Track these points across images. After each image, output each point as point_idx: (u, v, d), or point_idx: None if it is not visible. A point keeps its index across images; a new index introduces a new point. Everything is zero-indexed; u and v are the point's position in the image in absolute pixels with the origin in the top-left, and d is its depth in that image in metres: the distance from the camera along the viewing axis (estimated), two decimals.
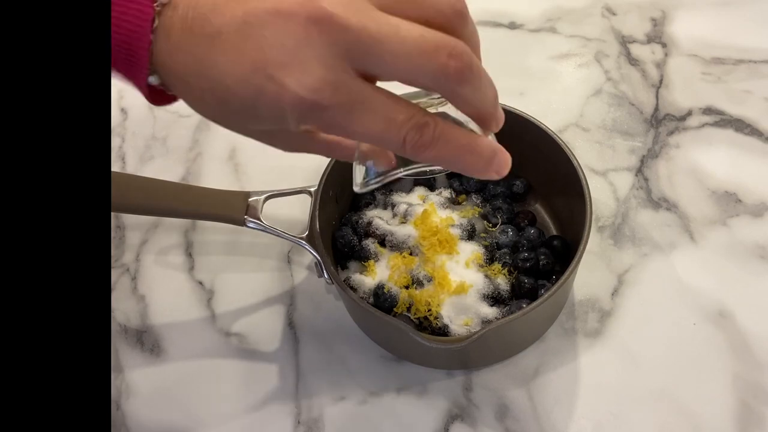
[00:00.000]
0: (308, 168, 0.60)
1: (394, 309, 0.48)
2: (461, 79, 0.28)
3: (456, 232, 0.50)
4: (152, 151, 0.66)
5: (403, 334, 0.43)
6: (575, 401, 0.48)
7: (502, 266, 0.49)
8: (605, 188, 0.58)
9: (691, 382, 0.48)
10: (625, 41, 0.69)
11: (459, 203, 0.55)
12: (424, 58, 0.28)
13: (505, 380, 0.49)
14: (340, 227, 0.54)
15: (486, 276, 0.49)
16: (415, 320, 0.47)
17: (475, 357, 0.49)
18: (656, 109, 0.63)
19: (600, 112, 0.64)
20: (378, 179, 0.35)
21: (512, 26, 0.72)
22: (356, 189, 0.35)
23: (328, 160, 0.51)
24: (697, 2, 0.71)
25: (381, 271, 0.50)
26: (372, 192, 0.56)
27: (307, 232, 0.50)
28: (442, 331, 0.47)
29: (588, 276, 0.53)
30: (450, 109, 0.34)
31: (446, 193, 0.55)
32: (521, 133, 0.52)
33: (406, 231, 0.51)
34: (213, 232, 0.60)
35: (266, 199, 0.52)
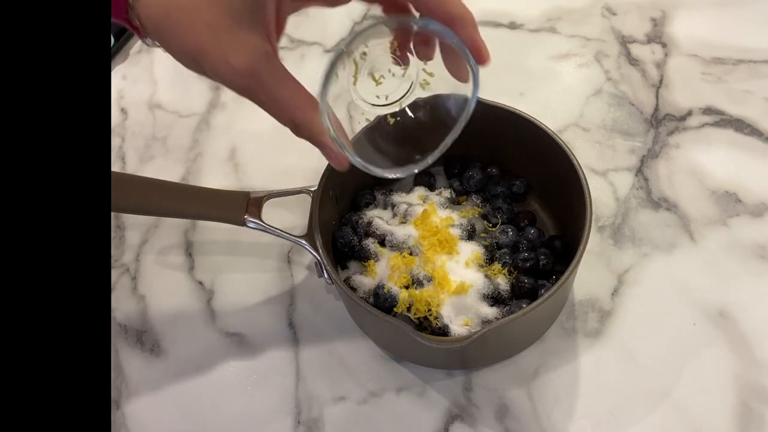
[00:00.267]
0: (308, 168, 0.60)
1: (394, 309, 0.48)
2: None
3: (456, 232, 0.50)
4: (152, 151, 0.66)
5: (403, 334, 0.43)
6: (575, 401, 0.48)
7: (502, 266, 0.49)
8: (605, 188, 0.58)
9: (691, 382, 0.48)
10: (625, 41, 0.69)
11: (459, 203, 0.55)
12: None
13: (505, 380, 0.49)
14: (340, 227, 0.54)
15: (486, 276, 0.49)
16: (415, 320, 0.47)
17: (475, 357, 0.49)
18: (656, 109, 0.63)
19: (600, 112, 0.64)
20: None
21: (512, 26, 0.72)
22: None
23: None
24: (697, 2, 0.71)
25: (381, 271, 0.50)
26: (372, 192, 0.56)
27: (307, 232, 0.50)
28: (442, 331, 0.47)
29: (588, 276, 0.53)
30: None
31: (446, 193, 0.55)
32: (521, 133, 0.52)
33: (406, 231, 0.51)
34: (213, 232, 0.60)
35: (266, 199, 0.52)
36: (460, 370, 0.50)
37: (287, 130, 0.38)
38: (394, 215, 0.53)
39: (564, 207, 0.53)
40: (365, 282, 0.50)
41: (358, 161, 0.37)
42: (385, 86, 0.42)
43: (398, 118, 0.43)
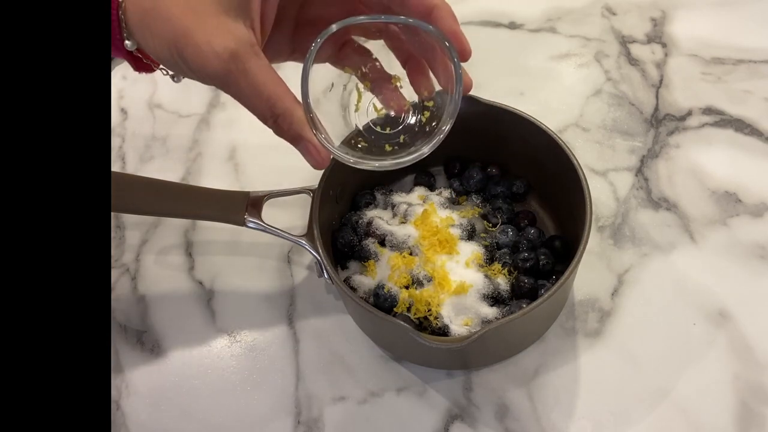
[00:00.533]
0: (308, 168, 0.60)
1: (394, 309, 0.48)
2: None
3: (456, 232, 0.50)
4: (152, 151, 0.66)
5: (403, 334, 0.43)
6: (575, 401, 0.48)
7: (502, 266, 0.49)
8: (605, 188, 0.58)
9: (691, 382, 0.48)
10: (625, 41, 0.69)
11: (459, 203, 0.55)
12: None
13: (505, 380, 0.49)
14: (340, 227, 0.54)
15: (486, 276, 0.49)
16: (415, 320, 0.47)
17: (475, 357, 0.49)
18: (656, 109, 0.63)
19: (600, 112, 0.64)
20: None
21: (512, 26, 0.72)
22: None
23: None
24: (697, 2, 0.71)
25: (381, 271, 0.50)
26: (372, 192, 0.56)
27: (307, 232, 0.50)
28: (442, 331, 0.47)
29: (588, 276, 0.53)
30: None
31: (446, 193, 0.55)
32: (521, 133, 0.52)
33: (406, 231, 0.51)
34: (213, 232, 0.60)
35: (266, 199, 0.52)
36: (460, 370, 0.50)
37: None
38: (394, 215, 0.53)
39: (564, 207, 0.53)
40: (365, 282, 0.50)
41: (341, 154, 0.37)
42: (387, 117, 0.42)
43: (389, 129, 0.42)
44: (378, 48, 0.42)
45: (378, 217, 0.53)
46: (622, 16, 0.71)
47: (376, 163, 0.38)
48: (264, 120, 0.37)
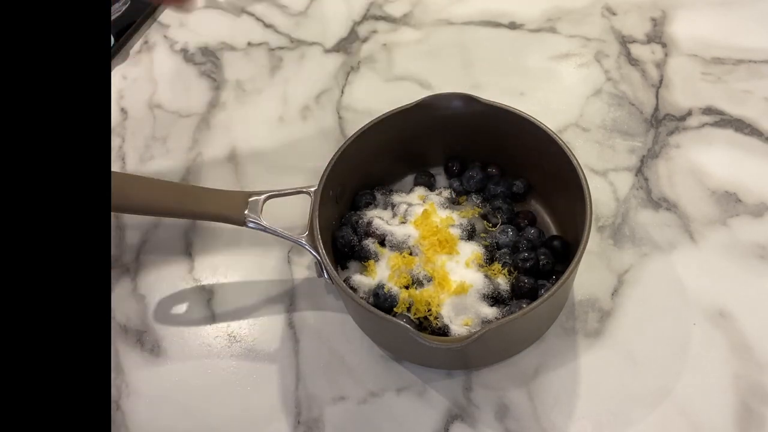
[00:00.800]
0: (308, 168, 0.60)
1: (394, 309, 0.48)
2: None
3: (456, 232, 0.50)
4: (152, 151, 0.66)
5: (403, 334, 0.43)
6: (575, 401, 0.48)
7: (502, 266, 0.49)
8: (605, 188, 0.58)
9: (691, 382, 0.48)
10: (625, 41, 0.69)
11: (459, 203, 0.55)
12: None
13: (505, 380, 0.49)
14: (340, 227, 0.54)
15: (486, 276, 0.49)
16: (415, 320, 0.47)
17: (475, 357, 0.49)
18: (656, 109, 0.63)
19: (600, 112, 0.64)
20: None
21: (512, 26, 0.72)
22: None
23: (328, 160, 0.51)
24: (697, 2, 0.71)
25: (381, 271, 0.50)
26: (372, 192, 0.56)
27: (307, 232, 0.50)
28: (442, 331, 0.47)
29: (588, 276, 0.53)
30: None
31: (446, 193, 0.55)
32: (521, 133, 0.52)
33: (406, 231, 0.51)
34: (213, 232, 0.60)
35: (266, 199, 0.52)
36: (460, 370, 0.50)
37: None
38: (394, 215, 0.53)
39: (564, 207, 0.53)
40: (365, 282, 0.50)
41: None
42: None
43: None
44: None
45: (378, 217, 0.53)
46: (622, 16, 0.71)
47: None
48: None
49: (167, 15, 0.79)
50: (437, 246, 0.49)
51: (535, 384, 0.49)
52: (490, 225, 0.53)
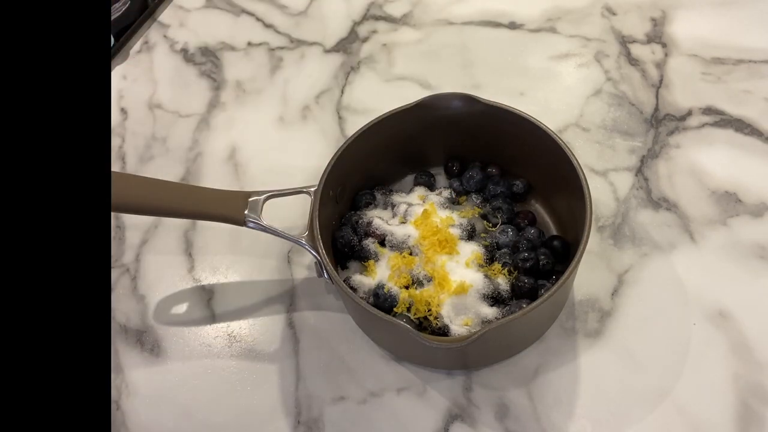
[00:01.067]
0: (308, 168, 0.60)
1: (394, 309, 0.48)
2: None
3: (456, 232, 0.50)
4: (152, 151, 0.66)
5: (403, 334, 0.43)
6: (575, 401, 0.48)
7: (502, 266, 0.49)
8: (605, 188, 0.58)
9: (691, 382, 0.48)
10: (625, 41, 0.69)
11: (459, 203, 0.55)
12: None
13: (505, 380, 0.49)
14: (340, 227, 0.54)
15: (486, 276, 0.49)
16: (415, 320, 0.47)
17: (475, 357, 0.49)
18: (656, 109, 0.63)
19: (600, 112, 0.64)
20: None
21: (512, 26, 0.72)
22: None
23: (328, 160, 0.51)
24: (697, 2, 0.71)
25: (381, 271, 0.50)
26: (372, 192, 0.56)
27: (307, 232, 0.50)
28: (442, 331, 0.47)
29: (588, 276, 0.53)
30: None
31: (446, 193, 0.55)
32: (521, 133, 0.52)
33: (406, 231, 0.51)
34: (213, 232, 0.60)
35: (266, 199, 0.51)
36: (460, 370, 0.50)
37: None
38: (394, 215, 0.53)
39: (564, 207, 0.53)
40: (365, 282, 0.50)
41: None
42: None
43: None
44: None
45: (378, 217, 0.53)
46: (622, 16, 0.71)
47: None
48: None
49: (167, 15, 0.79)
50: (437, 246, 0.49)
51: (535, 384, 0.49)
52: (490, 225, 0.53)
